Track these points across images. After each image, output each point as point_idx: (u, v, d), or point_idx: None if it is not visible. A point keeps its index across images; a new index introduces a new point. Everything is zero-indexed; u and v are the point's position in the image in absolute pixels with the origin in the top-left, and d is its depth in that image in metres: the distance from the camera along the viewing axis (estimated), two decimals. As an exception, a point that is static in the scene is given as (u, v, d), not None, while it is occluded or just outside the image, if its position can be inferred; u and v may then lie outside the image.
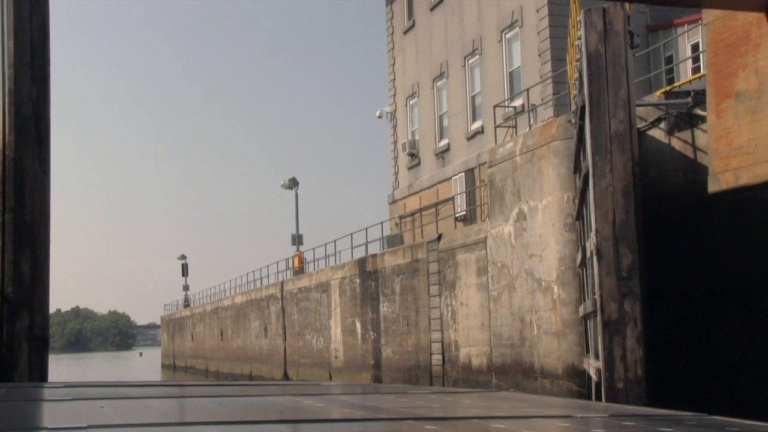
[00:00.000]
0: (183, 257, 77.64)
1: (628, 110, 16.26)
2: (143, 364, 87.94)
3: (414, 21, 36.59)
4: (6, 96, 16.71)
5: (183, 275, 76.34)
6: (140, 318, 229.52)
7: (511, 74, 29.46)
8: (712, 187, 14.63)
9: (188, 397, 11.40)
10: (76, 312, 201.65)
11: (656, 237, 16.92)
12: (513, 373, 20.63)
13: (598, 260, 16.83)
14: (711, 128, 14.61)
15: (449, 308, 24.01)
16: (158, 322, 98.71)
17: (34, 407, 9.54)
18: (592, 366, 16.95)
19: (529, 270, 19.81)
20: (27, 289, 16.52)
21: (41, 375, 16.69)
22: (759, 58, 13.59)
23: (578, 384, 18.17)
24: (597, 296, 16.96)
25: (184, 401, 10.69)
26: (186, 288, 76.07)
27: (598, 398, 16.58)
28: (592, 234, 16.55)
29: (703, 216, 16.81)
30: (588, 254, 17.09)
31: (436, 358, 24.66)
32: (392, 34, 38.83)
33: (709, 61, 14.76)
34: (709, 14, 14.68)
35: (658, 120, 18.32)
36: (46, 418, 8.36)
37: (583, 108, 17.66)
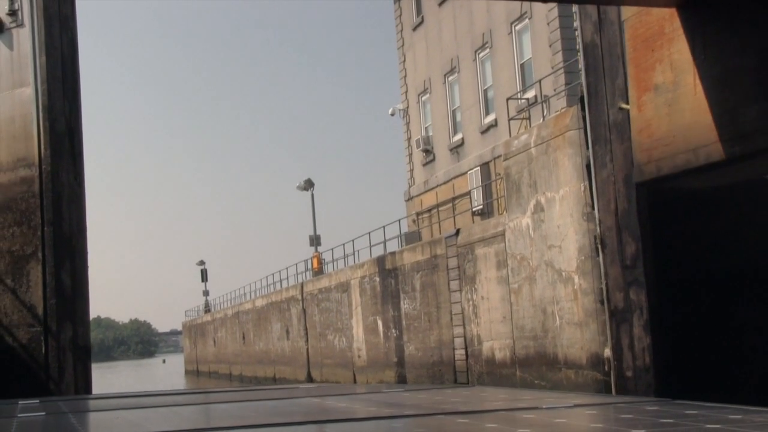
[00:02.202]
0: (202, 263, 77.86)
1: (626, 99, 16.20)
2: (167, 371, 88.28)
3: (423, 17, 36.57)
4: (40, 111, 17.05)
5: (202, 281, 76.54)
6: (161, 325, 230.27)
7: (522, 66, 29.40)
8: (637, 177, 14.79)
9: (218, 402, 11.50)
10: (98, 322, 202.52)
11: (668, 223, 16.85)
12: (537, 365, 20.60)
13: (602, 250, 16.80)
14: (633, 121, 14.75)
15: (470, 303, 23.99)
16: (179, 329, 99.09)
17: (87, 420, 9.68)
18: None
19: (549, 261, 19.77)
20: (69, 300, 16.87)
21: (86, 384, 17.05)
22: (673, 52, 13.74)
23: (603, 373, 18.11)
24: (603, 285, 16.93)
25: (214, 407, 10.79)
26: (206, 293, 76.28)
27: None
28: (596, 223, 16.55)
29: (714, 200, 16.73)
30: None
31: (459, 353, 24.64)
32: (401, 31, 38.82)
33: (629, 56, 14.90)
34: (627, 10, 14.86)
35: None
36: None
37: (582, 98, 17.64)
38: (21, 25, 17.63)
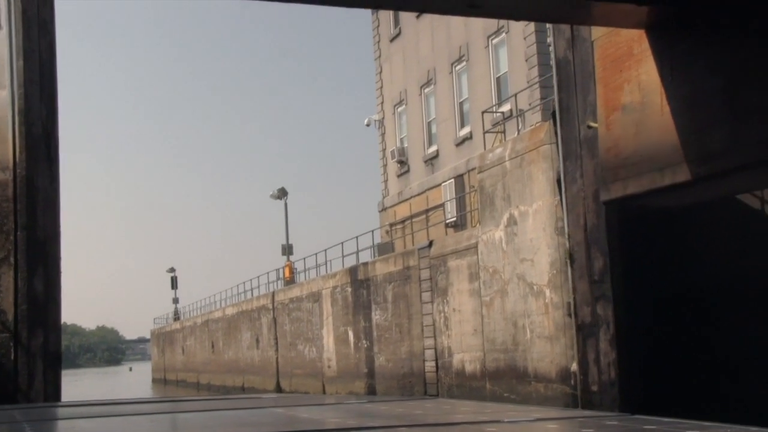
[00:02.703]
0: (172, 270, 77.38)
1: (596, 117, 16.30)
2: (134, 379, 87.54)
3: (400, 29, 36.65)
4: (17, 115, 16.94)
5: (172, 288, 76.07)
6: (129, 333, 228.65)
7: (498, 80, 29.53)
8: (603, 196, 14.91)
9: (184, 412, 11.39)
10: (63, 328, 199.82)
11: (638, 239, 16.94)
12: (507, 378, 20.61)
13: (571, 264, 16.85)
14: (601, 140, 14.88)
15: (442, 314, 23.99)
16: (148, 336, 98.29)
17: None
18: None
19: (521, 274, 19.81)
20: (41, 306, 16.72)
21: (55, 391, 16.89)
22: (641, 73, 13.89)
23: (572, 387, 18.16)
24: (570, 300, 16.98)
25: (178, 417, 10.68)
26: (176, 301, 75.79)
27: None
28: (557, 239, 16.62)
29: (684, 218, 16.84)
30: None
31: (430, 365, 24.61)
32: (379, 42, 38.88)
33: (598, 75, 15.04)
34: (596, 30, 15.00)
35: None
36: None
37: (554, 114, 17.75)
38: None
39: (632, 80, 14.15)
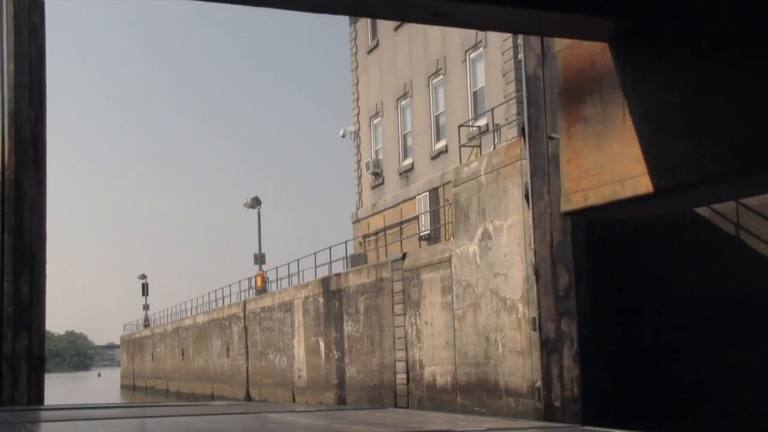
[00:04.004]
0: (143, 276, 77.01)
1: (559, 127, 16.42)
2: (102, 385, 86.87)
3: (378, 41, 36.73)
4: (6, 118, 17.02)
5: (143, 294, 75.65)
6: (98, 338, 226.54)
7: (475, 94, 29.65)
8: (564, 207, 15.02)
9: (151, 417, 11.32)
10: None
11: (604, 255, 17.05)
12: (478, 391, 20.65)
13: (536, 280, 16.94)
14: (562, 151, 14.99)
15: (414, 327, 24.00)
16: (117, 342, 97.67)
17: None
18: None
19: (494, 289, 19.87)
20: (26, 308, 16.77)
21: (38, 395, 16.93)
22: (603, 85, 14.05)
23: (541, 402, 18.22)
24: (536, 316, 17.05)
25: (146, 421, 10.61)
26: (146, 308, 75.37)
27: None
28: (531, 254, 16.72)
29: (650, 233, 16.97)
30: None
31: (401, 377, 24.61)
32: (356, 53, 38.94)
33: (560, 87, 15.16)
34: (559, 42, 15.14)
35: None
36: None
37: (523, 129, 17.86)
38: None
39: (594, 92, 14.25)
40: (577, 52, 14.65)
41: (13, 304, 16.59)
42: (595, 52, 14.22)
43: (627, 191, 13.68)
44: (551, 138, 16.29)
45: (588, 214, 15.49)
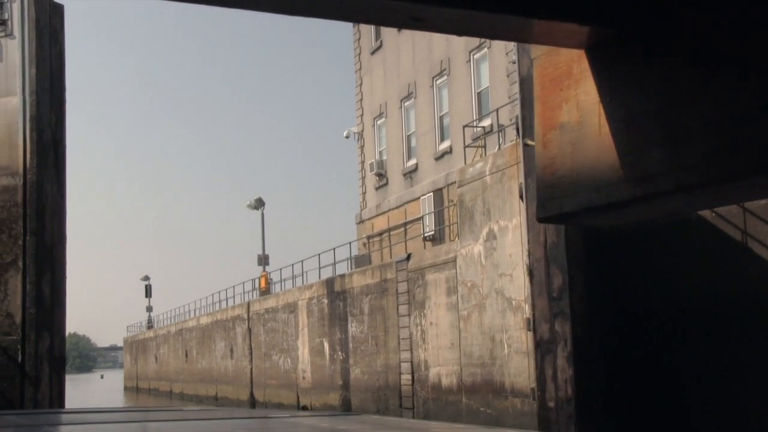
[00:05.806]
0: (146, 278, 76.91)
1: (535, 133, 16.36)
2: (105, 387, 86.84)
3: (381, 42, 36.69)
4: (27, 122, 17.12)
5: (146, 296, 75.55)
6: (101, 340, 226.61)
7: (479, 95, 29.60)
8: (539, 214, 14.95)
9: (156, 421, 11.30)
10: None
11: (600, 256, 16.97)
12: (483, 392, 20.61)
13: (530, 281, 16.89)
14: (538, 158, 14.91)
15: (419, 328, 23.96)
16: (120, 344, 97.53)
17: None
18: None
19: (500, 289, 19.84)
20: (48, 310, 16.86)
21: (60, 395, 17.03)
22: (580, 93, 13.96)
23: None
24: (529, 316, 17.00)
25: (150, 425, 10.59)
26: (149, 309, 75.24)
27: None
28: (525, 255, 16.67)
29: (650, 238, 16.90)
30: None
31: (406, 378, 24.57)
32: (359, 54, 38.90)
33: (536, 93, 15.11)
34: (536, 49, 15.09)
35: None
36: None
37: (518, 130, 17.84)
38: (10, 35, 17.64)
39: (570, 99, 14.21)
40: (554, 59, 14.61)
41: (36, 305, 16.69)
42: (572, 59, 14.18)
43: (603, 199, 13.62)
44: (527, 145, 16.26)
45: (563, 221, 15.47)
